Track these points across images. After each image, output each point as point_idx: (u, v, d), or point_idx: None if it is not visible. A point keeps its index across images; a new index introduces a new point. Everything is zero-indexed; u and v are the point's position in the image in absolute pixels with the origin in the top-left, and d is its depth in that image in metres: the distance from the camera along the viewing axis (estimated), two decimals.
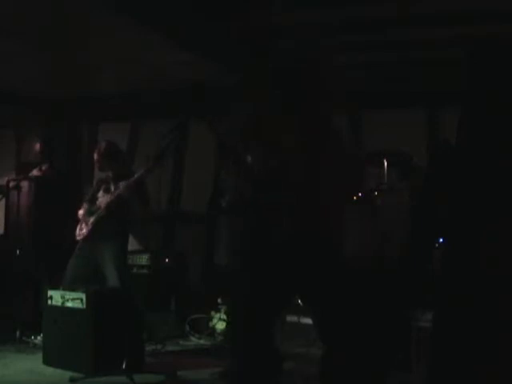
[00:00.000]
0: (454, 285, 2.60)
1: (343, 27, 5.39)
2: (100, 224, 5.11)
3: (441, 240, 4.34)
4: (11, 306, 5.83)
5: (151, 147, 5.14)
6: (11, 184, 6.50)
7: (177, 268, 6.40)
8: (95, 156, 5.33)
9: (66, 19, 5.11)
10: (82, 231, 5.21)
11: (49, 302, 4.81)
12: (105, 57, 6.01)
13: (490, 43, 2.80)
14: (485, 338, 2.47)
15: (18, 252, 6.21)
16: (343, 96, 4.94)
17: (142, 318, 4.87)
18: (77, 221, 5.30)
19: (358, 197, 5.02)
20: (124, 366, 4.23)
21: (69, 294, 4.67)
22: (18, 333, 5.46)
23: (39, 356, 4.85)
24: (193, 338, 5.89)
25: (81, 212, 5.28)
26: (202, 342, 5.82)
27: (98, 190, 5.26)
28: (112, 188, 5.08)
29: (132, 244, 6.02)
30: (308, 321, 4.88)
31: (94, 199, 5.26)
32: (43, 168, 6.83)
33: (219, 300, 5.98)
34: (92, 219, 5.14)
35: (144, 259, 6.16)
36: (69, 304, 4.66)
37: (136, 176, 4.90)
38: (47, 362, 4.75)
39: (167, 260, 6.34)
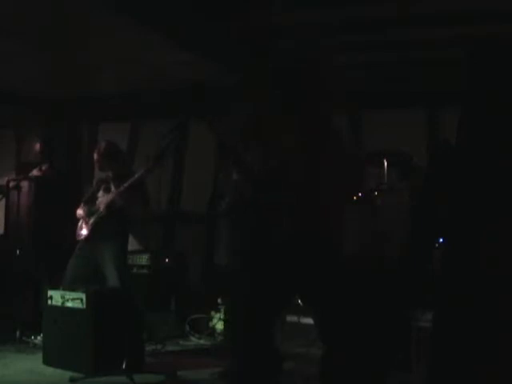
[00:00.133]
0: (454, 285, 2.60)
1: (343, 27, 5.39)
2: (100, 224, 5.11)
3: (441, 240, 4.34)
4: (11, 306, 5.83)
5: (151, 147, 5.13)
6: (11, 184, 6.50)
7: (177, 268, 6.40)
8: (95, 156, 5.33)
9: (66, 19, 5.11)
10: (82, 231, 5.21)
11: (49, 301, 4.81)
12: (105, 57, 6.01)
13: (489, 43, 2.80)
14: (485, 338, 2.47)
15: (18, 252, 6.21)
16: (343, 96, 4.94)
17: (141, 318, 4.87)
18: (77, 221, 5.30)
19: (357, 197, 5.02)
20: (124, 366, 4.23)
21: (69, 294, 4.67)
22: (17, 333, 5.46)
23: (39, 356, 4.85)
24: (193, 338, 5.89)
25: (79, 212, 5.27)
26: (202, 342, 5.82)
27: (98, 190, 5.26)
28: (112, 188, 5.08)
29: (132, 244, 6.01)
30: (308, 321, 4.88)
31: (93, 199, 5.26)
32: (43, 168, 6.83)
33: (219, 300, 5.98)
34: (92, 219, 5.15)
35: (144, 259, 6.16)
36: (69, 304, 4.66)
37: (130, 181, 4.89)
38: (47, 362, 4.75)
39: (167, 260, 6.34)
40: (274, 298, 3.11)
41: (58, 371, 4.57)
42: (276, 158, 3.14)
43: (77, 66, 6.35)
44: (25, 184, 6.57)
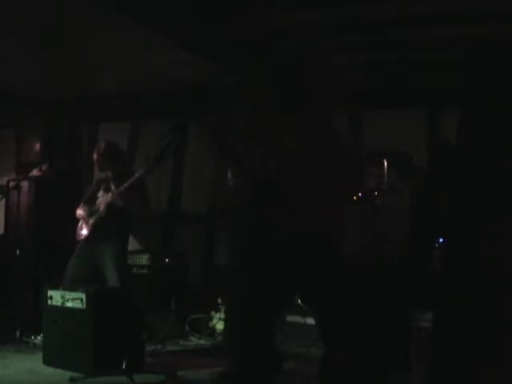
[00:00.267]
0: (454, 285, 2.60)
1: (343, 27, 5.39)
2: (100, 224, 5.12)
3: (441, 240, 4.34)
4: (11, 306, 5.83)
5: (151, 147, 5.14)
6: (11, 184, 6.50)
7: (177, 268, 6.40)
8: (95, 156, 5.33)
9: (66, 19, 5.11)
10: (82, 231, 5.21)
11: (49, 301, 4.81)
12: (105, 57, 6.01)
13: (490, 43, 2.80)
14: (485, 338, 2.47)
15: (18, 252, 6.21)
16: (343, 96, 4.95)
17: (141, 318, 4.86)
18: (77, 221, 5.30)
19: (357, 197, 5.02)
20: (124, 366, 4.23)
21: (69, 294, 4.67)
22: (17, 333, 5.46)
23: (39, 356, 4.85)
24: (193, 338, 5.89)
25: (79, 212, 5.27)
26: (202, 342, 5.82)
27: (98, 190, 5.26)
28: (112, 187, 5.08)
29: (132, 244, 6.01)
30: (308, 321, 4.89)
31: (93, 199, 5.26)
32: (43, 168, 6.83)
33: (219, 300, 5.98)
34: (92, 219, 5.15)
35: (144, 259, 6.16)
36: (69, 304, 4.66)
37: (130, 181, 4.90)
38: (47, 362, 4.75)
39: (167, 260, 6.34)
40: (274, 298, 3.11)
41: (58, 371, 4.56)
42: (276, 158, 3.14)
43: (77, 66, 6.35)
44: (25, 184, 6.57)
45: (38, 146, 7.27)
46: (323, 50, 5.44)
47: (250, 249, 3.22)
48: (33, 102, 7.57)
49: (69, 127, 8.05)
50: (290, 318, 5.29)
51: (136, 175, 4.92)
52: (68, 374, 4.39)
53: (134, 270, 6.09)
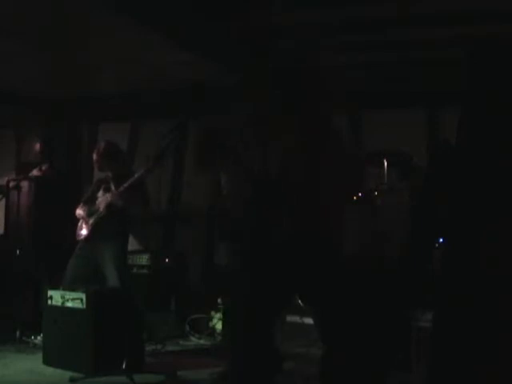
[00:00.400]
0: (454, 285, 2.60)
1: (343, 27, 5.39)
2: (100, 224, 5.12)
3: (441, 240, 4.34)
4: (11, 306, 5.83)
5: (151, 147, 5.14)
6: (11, 184, 6.50)
7: (177, 268, 6.40)
8: (94, 156, 5.33)
9: (66, 19, 5.11)
10: (82, 231, 5.21)
11: (49, 301, 4.81)
12: (105, 57, 6.01)
13: (490, 43, 2.80)
14: (485, 338, 2.47)
15: (18, 252, 6.21)
16: (343, 96, 4.94)
17: (142, 318, 4.86)
18: (77, 221, 5.30)
19: (358, 197, 5.02)
20: (124, 366, 4.23)
21: (69, 294, 4.67)
22: (17, 333, 5.46)
23: (39, 356, 4.85)
24: (193, 338, 5.89)
25: (79, 212, 5.27)
26: (202, 342, 5.82)
27: (98, 190, 5.26)
28: (112, 187, 5.08)
29: (132, 244, 6.01)
30: (308, 321, 4.88)
31: (93, 199, 5.26)
32: (43, 168, 6.83)
33: (219, 300, 5.98)
34: (92, 219, 5.15)
35: (144, 259, 6.16)
36: (69, 304, 4.66)
37: (130, 181, 4.90)
38: (47, 362, 4.75)
39: (167, 260, 6.34)
40: (274, 298, 3.11)
41: (58, 371, 4.56)
42: (276, 158, 3.14)
43: (77, 66, 6.35)
44: (25, 184, 6.57)
45: (37, 146, 7.27)
46: (323, 49, 5.45)
47: (250, 249, 3.22)
48: (33, 102, 7.56)
49: (69, 127, 8.05)
50: (289, 318, 5.29)
51: (136, 175, 4.92)
52: (68, 373, 4.38)
53: (134, 270, 6.09)
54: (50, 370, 4.65)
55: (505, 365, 2.45)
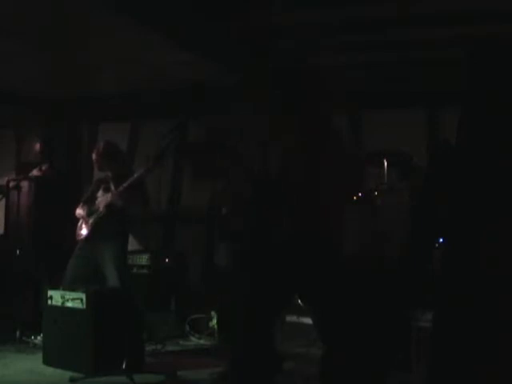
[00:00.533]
0: (454, 285, 2.60)
1: (343, 27, 5.39)
2: (100, 224, 5.12)
3: (441, 240, 4.34)
4: (11, 306, 5.83)
5: (151, 147, 5.14)
6: (11, 184, 6.50)
7: (177, 268, 6.40)
8: (94, 156, 5.33)
9: (66, 19, 5.11)
10: (82, 231, 5.21)
11: (49, 301, 4.81)
12: (105, 57, 6.01)
13: (490, 43, 2.80)
14: (485, 338, 2.47)
15: (18, 252, 6.21)
16: (343, 96, 4.94)
17: (142, 318, 4.86)
18: (77, 221, 5.30)
19: (358, 197, 5.02)
20: (124, 366, 4.23)
21: (69, 294, 4.67)
22: (17, 333, 5.46)
23: (39, 356, 4.85)
24: (193, 338, 5.89)
25: (79, 212, 5.27)
26: (202, 342, 5.81)
27: (98, 190, 5.26)
28: (112, 187, 5.08)
29: (132, 244, 6.01)
30: (308, 321, 4.88)
31: (93, 199, 5.26)
32: (43, 168, 6.83)
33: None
34: (92, 219, 5.15)
35: (144, 259, 6.16)
36: (69, 304, 4.66)
37: (129, 180, 4.90)
38: (47, 362, 4.75)
39: (167, 260, 6.34)
40: (274, 298, 3.11)
41: (58, 371, 4.56)
42: (276, 158, 3.15)
43: (77, 66, 6.35)
44: (25, 184, 6.57)
45: (37, 146, 7.27)
46: (323, 49, 5.45)
47: (250, 249, 3.22)
48: (33, 102, 7.57)
49: (69, 127, 8.05)
50: (289, 318, 5.29)
51: (135, 175, 4.92)
52: (68, 373, 4.39)
53: (134, 270, 6.09)
54: (49, 370, 4.65)
55: (505, 365, 2.45)
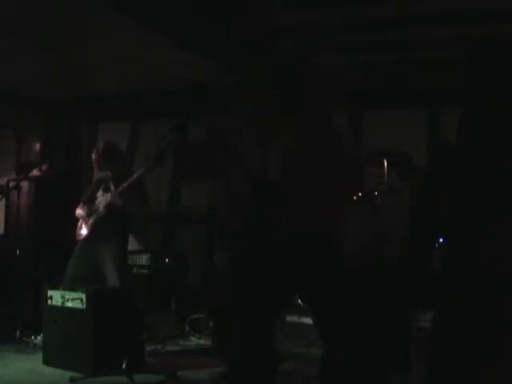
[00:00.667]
0: (454, 285, 2.60)
1: (343, 27, 5.39)
2: (100, 224, 5.11)
3: (441, 240, 4.34)
4: (11, 306, 5.83)
5: (151, 147, 5.14)
6: (11, 184, 6.50)
7: (177, 268, 6.40)
8: (93, 156, 5.33)
9: (66, 19, 5.11)
10: (81, 231, 5.21)
11: (49, 301, 4.80)
12: (105, 57, 6.01)
13: (490, 43, 2.80)
14: (485, 338, 2.47)
15: (18, 252, 6.21)
16: (343, 96, 4.94)
17: (141, 318, 4.86)
18: (77, 221, 5.30)
19: (358, 197, 5.02)
20: (124, 366, 4.23)
21: (69, 294, 4.67)
22: (17, 333, 5.46)
23: (39, 356, 4.85)
24: (193, 338, 5.89)
25: (79, 212, 5.27)
26: (201, 342, 5.81)
27: (97, 190, 5.26)
28: (112, 187, 5.08)
29: (132, 244, 6.01)
30: (308, 321, 4.88)
31: (93, 199, 5.26)
32: (43, 168, 6.83)
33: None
34: (92, 219, 5.15)
35: (144, 259, 6.16)
36: (69, 304, 4.66)
37: (129, 180, 4.90)
38: (47, 362, 4.75)
39: (167, 260, 6.34)
40: (274, 298, 3.11)
41: (58, 371, 4.56)
42: (276, 158, 3.15)
43: (77, 66, 6.35)
44: (25, 184, 6.57)
45: (37, 146, 7.27)
46: (323, 49, 5.45)
47: (250, 249, 3.22)
48: (33, 102, 7.57)
49: (69, 127, 8.05)
50: (289, 318, 5.29)
51: (135, 175, 4.92)
52: (68, 373, 4.38)
53: (134, 270, 6.09)
54: (49, 370, 4.65)
55: (505, 365, 2.45)
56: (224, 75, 6.25)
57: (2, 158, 8.00)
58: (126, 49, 5.76)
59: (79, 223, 5.27)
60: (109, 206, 5.06)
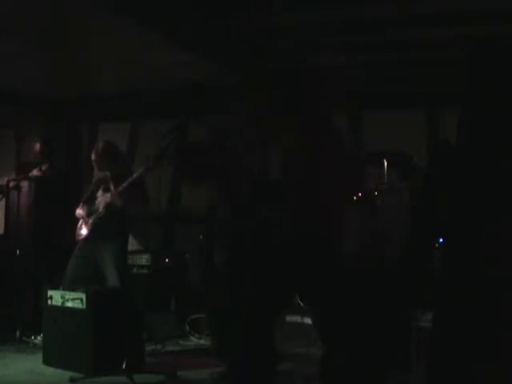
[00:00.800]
0: (454, 285, 2.60)
1: (343, 27, 5.39)
2: (100, 224, 5.11)
3: (441, 240, 4.34)
4: (11, 306, 5.83)
5: (151, 147, 5.14)
6: (11, 184, 6.50)
7: (177, 268, 6.39)
8: (93, 156, 5.33)
9: (66, 19, 5.11)
10: (81, 231, 5.21)
11: (49, 301, 4.81)
12: (105, 57, 6.01)
13: (490, 43, 2.80)
14: (485, 338, 2.47)
15: (18, 252, 6.21)
16: (343, 96, 4.94)
17: (142, 318, 4.87)
18: (77, 221, 5.30)
19: (358, 197, 5.02)
20: (124, 366, 4.23)
21: (69, 294, 4.67)
22: (17, 333, 5.46)
23: (39, 356, 4.85)
24: (193, 338, 5.89)
25: (79, 212, 5.27)
26: (201, 342, 5.81)
27: (97, 190, 5.26)
28: (111, 187, 5.08)
29: (132, 244, 6.01)
30: (308, 321, 4.88)
31: (93, 199, 5.26)
32: (43, 168, 6.82)
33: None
34: (91, 219, 5.15)
35: (144, 259, 6.16)
36: (69, 304, 4.66)
37: (129, 180, 4.90)
38: (47, 362, 4.75)
39: (167, 260, 6.34)
40: (274, 298, 3.11)
41: (58, 371, 4.56)
42: (276, 158, 3.15)
43: (77, 66, 6.35)
44: (25, 184, 6.57)
45: (37, 146, 7.27)
46: (323, 49, 5.45)
47: (250, 249, 3.22)
48: (33, 101, 7.57)
49: (69, 127, 8.05)
50: (289, 318, 5.29)
51: (135, 174, 4.92)
52: (68, 373, 4.39)
53: (134, 270, 6.09)
54: (49, 370, 4.65)
55: (505, 365, 2.45)
56: (224, 75, 6.25)
57: (2, 157, 8.00)
58: (126, 49, 5.76)
59: (79, 223, 5.27)
60: (108, 207, 5.06)
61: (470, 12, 5.01)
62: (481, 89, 2.69)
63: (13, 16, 5.00)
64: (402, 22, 5.31)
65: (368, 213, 5.15)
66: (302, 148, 3.15)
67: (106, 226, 5.09)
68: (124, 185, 4.94)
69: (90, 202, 5.27)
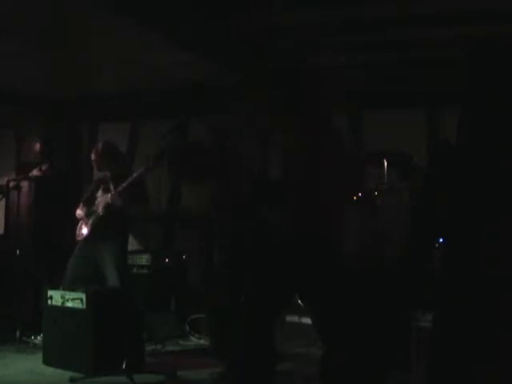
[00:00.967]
0: (454, 285, 2.60)
1: (343, 27, 5.39)
2: (100, 224, 5.11)
3: (441, 240, 4.34)
4: (11, 306, 5.83)
5: (151, 147, 5.14)
6: (11, 184, 6.50)
7: (177, 268, 6.39)
8: (93, 156, 5.33)
9: (66, 19, 5.11)
10: (81, 231, 5.21)
11: (49, 302, 4.81)
12: (105, 57, 6.01)
13: (490, 43, 2.80)
14: (485, 338, 2.47)
15: (18, 252, 6.21)
16: (343, 96, 4.94)
17: (142, 318, 4.86)
18: (77, 221, 5.30)
19: (358, 197, 5.02)
20: (124, 366, 4.23)
21: (69, 294, 4.67)
22: (17, 333, 5.46)
23: (39, 356, 4.85)
24: (193, 338, 5.89)
25: (79, 212, 5.28)
26: (201, 342, 5.81)
27: (97, 190, 5.26)
28: (111, 187, 5.08)
29: (132, 244, 6.01)
30: (308, 321, 4.88)
31: (92, 199, 5.26)
32: (43, 168, 6.83)
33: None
34: (91, 219, 5.15)
35: (144, 259, 6.16)
36: (69, 304, 4.66)
37: (129, 180, 4.91)
38: (47, 362, 4.75)
39: (167, 260, 6.34)
40: (274, 298, 3.11)
41: (58, 371, 4.56)
42: (276, 158, 3.15)
43: (77, 66, 6.35)
44: (25, 184, 6.57)
45: (38, 146, 7.27)
46: (323, 49, 5.45)
47: (250, 249, 3.22)
48: (33, 102, 7.57)
49: (69, 127, 8.05)
50: (289, 318, 5.29)
51: (135, 174, 4.92)
52: (68, 373, 4.39)
53: (134, 270, 6.09)
54: (49, 370, 4.65)
55: (505, 365, 2.45)
56: (224, 75, 6.25)
57: (2, 157, 8.00)
58: (126, 49, 5.76)
59: (79, 223, 5.27)
60: (108, 207, 5.06)
61: (469, 12, 5.01)
62: (481, 89, 2.69)
63: (13, 16, 5.00)
64: (401, 22, 5.31)
65: (368, 213, 5.15)
66: (302, 148, 3.15)
67: (106, 226, 5.09)
68: (124, 185, 4.94)
69: (89, 202, 5.27)
